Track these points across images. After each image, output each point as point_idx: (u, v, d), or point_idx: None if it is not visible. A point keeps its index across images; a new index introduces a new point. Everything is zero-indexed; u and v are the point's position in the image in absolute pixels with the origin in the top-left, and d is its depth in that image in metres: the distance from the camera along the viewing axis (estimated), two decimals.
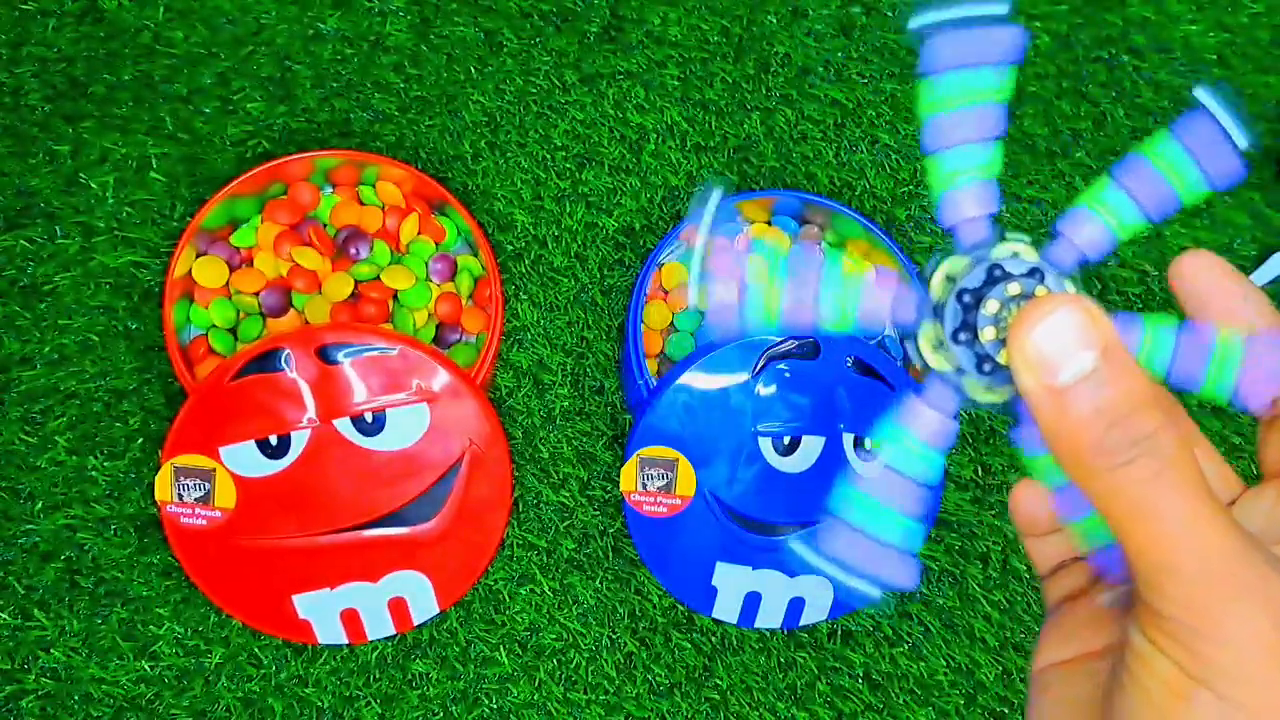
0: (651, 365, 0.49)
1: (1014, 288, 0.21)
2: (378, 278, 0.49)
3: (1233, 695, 0.19)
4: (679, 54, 0.54)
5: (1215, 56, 0.57)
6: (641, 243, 0.52)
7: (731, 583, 0.47)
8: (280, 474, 0.45)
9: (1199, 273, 0.23)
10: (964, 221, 0.22)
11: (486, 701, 0.48)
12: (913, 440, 0.22)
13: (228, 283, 0.48)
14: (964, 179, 0.22)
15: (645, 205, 0.53)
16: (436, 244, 0.50)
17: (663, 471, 0.46)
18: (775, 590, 0.47)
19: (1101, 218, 0.22)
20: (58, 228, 0.50)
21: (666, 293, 0.51)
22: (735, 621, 0.48)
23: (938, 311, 0.22)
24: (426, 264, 0.50)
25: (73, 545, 0.47)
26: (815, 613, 0.48)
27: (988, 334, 0.21)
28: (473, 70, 0.53)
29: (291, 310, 0.48)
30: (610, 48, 0.54)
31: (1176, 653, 0.19)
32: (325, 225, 0.50)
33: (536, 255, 0.52)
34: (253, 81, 0.52)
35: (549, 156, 0.53)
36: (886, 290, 0.22)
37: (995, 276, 0.22)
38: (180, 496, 0.45)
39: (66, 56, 0.52)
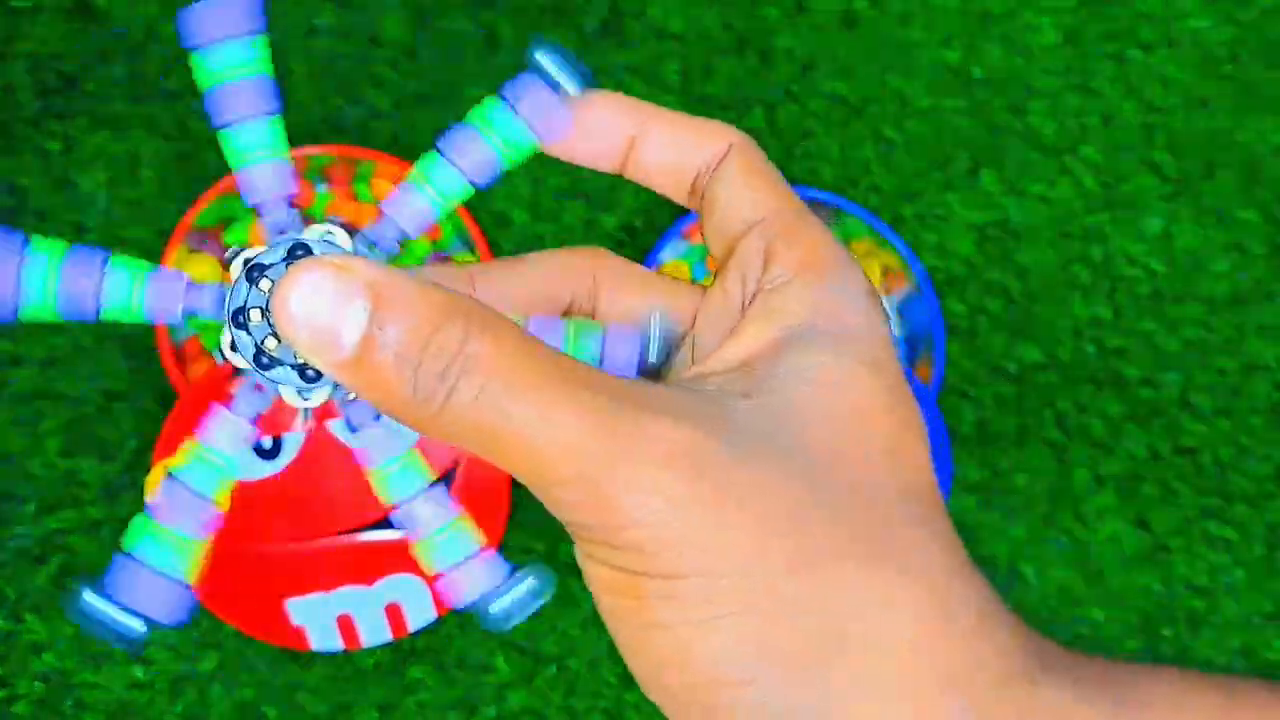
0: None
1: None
2: None
3: (676, 568, 0.17)
4: (679, 48, 0.54)
5: (1226, 52, 0.56)
6: (642, 241, 0.52)
7: None
8: (274, 477, 0.45)
9: (599, 115, 0.22)
10: (266, 202, 0.21)
11: (484, 709, 0.48)
12: (215, 454, 0.20)
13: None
14: (257, 156, 0.21)
15: (646, 203, 0.52)
16: (432, 242, 0.50)
17: None
18: None
19: (424, 191, 0.21)
20: (49, 227, 0.50)
21: None
22: None
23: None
24: (423, 262, 0.49)
25: (65, 549, 0.47)
26: None
27: (255, 316, 0.19)
28: (470, 65, 0.53)
29: None
30: (609, 42, 0.54)
31: (609, 557, 0.17)
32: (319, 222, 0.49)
33: None
34: None
35: None
36: (169, 282, 0.20)
37: (297, 256, 0.20)
38: None
39: (58, 53, 0.51)
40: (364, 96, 0.52)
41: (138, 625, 0.20)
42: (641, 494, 0.17)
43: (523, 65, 0.22)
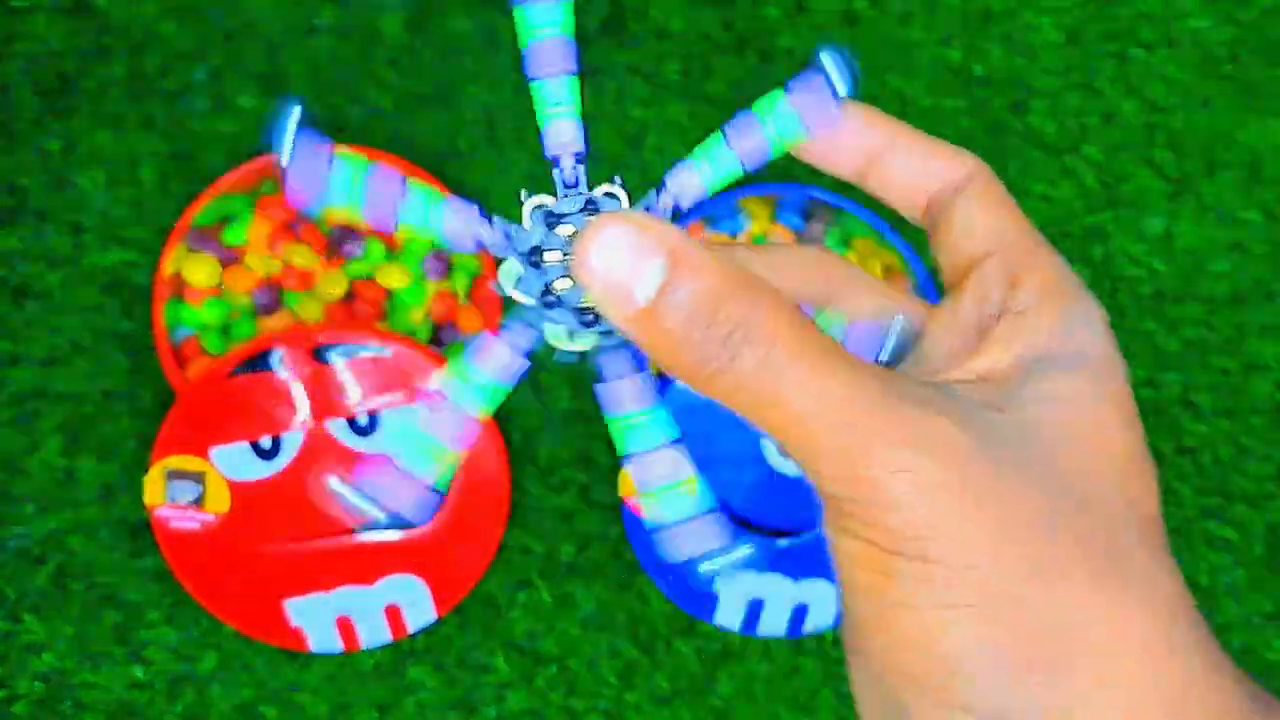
0: (653, 365, 0.49)
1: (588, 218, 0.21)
2: (372, 276, 0.48)
3: (925, 552, 0.17)
4: (680, 47, 0.54)
5: (1227, 52, 0.56)
6: None
7: (734, 588, 0.47)
8: (273, 477, 0.45)
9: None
10: (561, 155, 0.22)
11: (484, 709, 0.48)
12: (479, 374, 0.22)
13: (220, 282, 0.48)
14: (559, 113, 0.22)
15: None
16: (432, 241, 0.50)
17: None
18: (779, 596, 0.47)
19: (702, 169, 0.22)
20: (48, 226, 0.49)
21: None
22: (738, 628, 0.47)
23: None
24: (422, 262, 0.49)
25: (64, 549, 0.47)
26: (820, 618, 0.47)
27: (550, 257, 0.21)
28: (469, 64, 0.53)
29: (284, 309, 0.48)
30: (610, 41, 0.54)
31: (861, 531, 0.18)
32: (318, 222, 0.49)
33: None
34: (245, 77, 0.52)
35: None
36: (468, 212, 0.22)
37: (591, 210, 0.21)
38: (172, 499, 0.44)
39: (57, 52, 0.51)
40: (364, 96, 0.52)
41: (380, 516, 0.21)
42: (899, 472, 0.18)
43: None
